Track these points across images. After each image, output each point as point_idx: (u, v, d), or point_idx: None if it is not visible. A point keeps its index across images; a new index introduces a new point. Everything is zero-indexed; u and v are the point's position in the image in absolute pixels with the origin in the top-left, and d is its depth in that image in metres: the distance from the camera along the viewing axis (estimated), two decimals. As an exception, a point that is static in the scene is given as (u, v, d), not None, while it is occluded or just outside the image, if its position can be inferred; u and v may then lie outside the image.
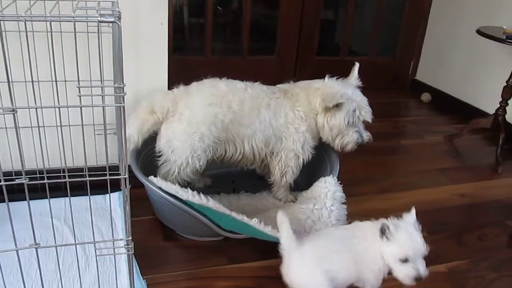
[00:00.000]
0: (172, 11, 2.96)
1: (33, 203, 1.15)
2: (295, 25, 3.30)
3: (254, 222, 1.45)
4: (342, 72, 3.69)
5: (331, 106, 1.73)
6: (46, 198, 1.18)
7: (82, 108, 1.19)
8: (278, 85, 1.90)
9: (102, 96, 0.97)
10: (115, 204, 1.79)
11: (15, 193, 1.69)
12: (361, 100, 1.80)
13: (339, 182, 1.78)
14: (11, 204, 1.11)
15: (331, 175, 1.78)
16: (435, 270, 1.62)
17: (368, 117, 1.81)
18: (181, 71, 3.06)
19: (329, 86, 1.79)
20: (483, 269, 1.66)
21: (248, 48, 3.28)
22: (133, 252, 1.18)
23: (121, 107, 0.99)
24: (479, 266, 1.68)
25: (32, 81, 1.46)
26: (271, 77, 3.39)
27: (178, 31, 3.29)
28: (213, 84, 1.74)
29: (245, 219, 1.45)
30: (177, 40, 3.21)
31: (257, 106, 1.74)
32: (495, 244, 1.82)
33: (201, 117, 1.66)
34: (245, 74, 3.29)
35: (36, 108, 1.00)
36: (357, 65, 1.94)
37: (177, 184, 1.56)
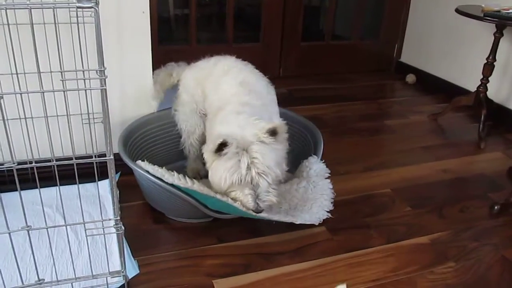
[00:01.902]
0: (157, 3, 2.99)
1: (25, 192, 1.19)
2: (279, 12, 3.33)
3: (238, 205, 1.49)
4: (328, 57, 3.75)
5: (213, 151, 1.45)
6: (37, 188, 1.22)
7: (69, 97, 1.22)
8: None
9: (84, 80, 1.01)
10: (105, 191, 1.83)
11: (7, 184, 1.74)
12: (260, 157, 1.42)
13: (323, 161, 1.82)
14: (4, 195, 1.15)
15: (312, 155, 1.82)
16: (417, 241, 1.69)
17: (263, 182, 1.43)
18: (167, 61, 3.10)
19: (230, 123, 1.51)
20: (464, 239, 1.72)
21: (233, 36, 3.31)
22: (122, 231, 1.23)
23: (103, 90, 1.03)
24: (460, 236, 1.74)
25: (17, 74, 1.49)
26: (257, 64, 3.42)
27: (164, 22, 3.32)
28: (207, 60, 1.93)
29: (229, 201, 1.49)
30: (163, 31, 3.24)
31: (218, 80, 1.77)
32: (476, 215, 1.88)
33: (191, 87, 1.87)
34: (231, 62, 3.33)
35: (21, 94, 1.03)
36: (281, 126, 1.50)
37: (164, 168, 1.59)
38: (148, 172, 1.53)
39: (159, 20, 3.06)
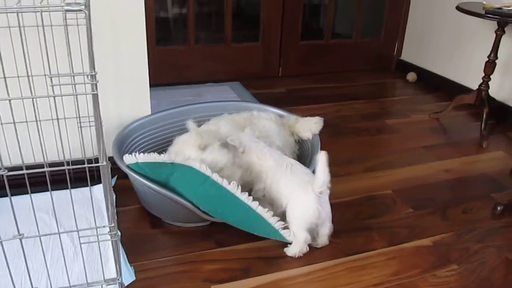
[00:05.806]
0: (154, 3, 2.97)
1: (21, 198, 1.16)
2: (278, 11, 3.30)
3: (231, 187, 1.49)
4: (328, 55, 3.71)
5: None
6: (33, 193, 1.19)
7: (64, 101, 1.19)
8: None
9: (75, 85, 0.98)
10: (102, 195, 1.80)
11: (3, 189, 1.70)
12: None
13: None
14: (-1, 200, 1.13)
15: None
16: (419, 244, 1.66)
17: None
18: (166, 61, 3.08)
19: None
20: (467, 241, 1.69)
21: (232, 36, 3.28)
22: (117, 238, 1.20)
23: (95, 95, 1.00)
24: (463, 238, 1.71)
25: (5, 78, 1.46)
26: (256, 63, 3.42)
27: (161, 22, 3.29)
28: None
29: (224, 182, 1.49)
30: (160, 32, 3.20)
31: None
32: (479, 216, 1.85)
33: None
34: (230, 61, 3.33)
35: (10, 100, 1.00)
36: None
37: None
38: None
39: (156, 21, 3.04)
